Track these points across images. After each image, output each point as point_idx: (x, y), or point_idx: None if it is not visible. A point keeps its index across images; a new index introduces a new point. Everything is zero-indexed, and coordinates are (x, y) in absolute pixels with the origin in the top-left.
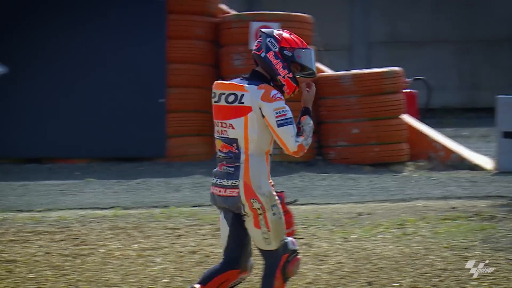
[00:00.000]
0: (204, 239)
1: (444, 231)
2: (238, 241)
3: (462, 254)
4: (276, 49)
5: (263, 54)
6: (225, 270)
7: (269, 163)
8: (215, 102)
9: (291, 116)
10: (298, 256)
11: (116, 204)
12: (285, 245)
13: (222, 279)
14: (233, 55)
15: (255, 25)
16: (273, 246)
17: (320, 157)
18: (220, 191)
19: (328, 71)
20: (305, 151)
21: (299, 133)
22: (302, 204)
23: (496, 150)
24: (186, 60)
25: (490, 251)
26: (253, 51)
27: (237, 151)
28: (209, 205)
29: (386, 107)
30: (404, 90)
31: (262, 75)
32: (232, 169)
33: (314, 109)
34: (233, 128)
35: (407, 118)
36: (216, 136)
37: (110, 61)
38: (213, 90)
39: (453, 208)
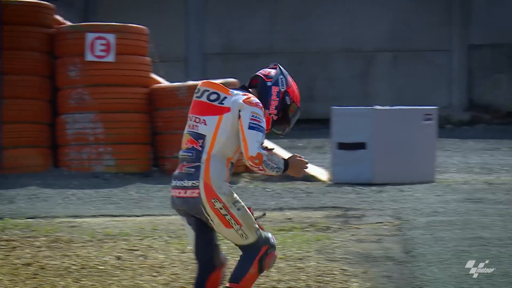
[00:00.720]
0: (40, 251)
1: (279, 242)
2: (207, 243)
3: (297, 264)
4: (283, 89)
5: (269, 84)
6: (208, 276)
7: (229, 171)
8: (197, 97)
9: (265, 127)
10: (275, 252)
11: None
12: (266, 238)
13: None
14: (69, 66)
15: (90, 36)
16: (251, 239)
17: (156, 168)
18: (179, 193)
19: (164, 83)
20: (261, 167)
21: (266, 149)
22: (137, 216)
23: (331, 161)
24: (21, 71)
25: (325, 261)
26: (260, 74)
27: (200, 148)
28: (44, 217)
29: None
30: None
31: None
32: (193, 169)
33: (150, 121)
34: (205, 124)
35: None
36: (185, 131)
37: None
38: (198, 87)
39: (289, 219)
